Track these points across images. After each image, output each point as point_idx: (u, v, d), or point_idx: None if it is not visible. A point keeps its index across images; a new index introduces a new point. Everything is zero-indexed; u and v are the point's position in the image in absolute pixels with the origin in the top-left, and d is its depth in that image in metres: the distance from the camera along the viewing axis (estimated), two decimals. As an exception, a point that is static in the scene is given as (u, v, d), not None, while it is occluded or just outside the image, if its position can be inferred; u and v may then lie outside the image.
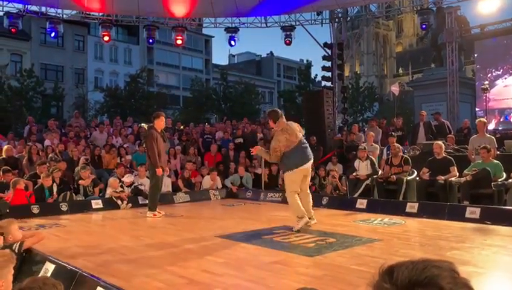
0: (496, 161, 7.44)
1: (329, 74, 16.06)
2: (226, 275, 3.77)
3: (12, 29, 14.31)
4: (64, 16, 15.34)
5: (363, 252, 4.51)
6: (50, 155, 10.08)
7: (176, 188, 10.07)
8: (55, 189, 8.25)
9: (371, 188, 8.64)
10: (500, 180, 7.13)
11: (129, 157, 11.08)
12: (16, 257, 2.96)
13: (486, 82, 16.97)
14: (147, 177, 8.73)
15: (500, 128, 17.06)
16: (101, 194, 8.96)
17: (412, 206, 7.11)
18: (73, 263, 3.77)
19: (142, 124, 14.96)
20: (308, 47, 25.67)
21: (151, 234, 5.93)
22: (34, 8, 14.47)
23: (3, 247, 3.71)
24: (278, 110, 6.28)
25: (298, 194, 5.91)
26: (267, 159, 6.38)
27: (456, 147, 9.53)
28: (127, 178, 9.08)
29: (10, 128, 20.23)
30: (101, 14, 15.56)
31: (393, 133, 10.86)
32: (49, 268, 3.65)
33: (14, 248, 3.79)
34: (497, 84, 18.86)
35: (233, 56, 57.16)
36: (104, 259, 4.37)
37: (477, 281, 3.51)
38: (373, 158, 9.13)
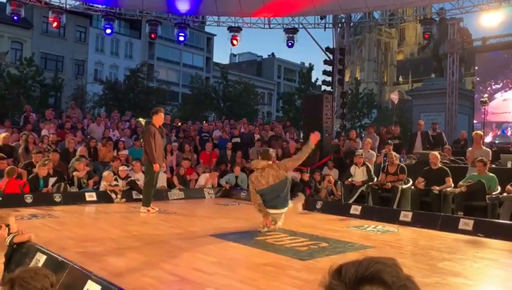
0: (491, 174, 7.46)
1: (329, 79, 16.10)
2: (218, 274, 3.76)
3: (14, 17, 14.24)
4: (68, 6, 15.26)
5: (355, 258, 4.48)
6: (45, 146, 10.04)
7: (170, 185, 10.05)
8: (51, 181, 8.22)
9: (366, 195, 8.65)
10: (494, 193, 7.15)
11: (126, 151, 11.04)
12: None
13: (486, 95, 17.04)
14: (142, 172, 8.71)
15: (496, 141, 17.13)
16: (95, 187, 8.93)
17: (406, 215, 7.11)
18: (65, 255, 3.75)
19: (140, 119, 14.92)
20: (309, 50, 25.57)
21: (144, 229, 5.91)
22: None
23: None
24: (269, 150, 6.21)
25: None
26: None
27: (452, 158, 9.56)
28: (121, 168, 9.05)
29: (7, 116, 20.15)
30: (104, 6, 15.52)
31: (390, 141, 10.89)
32: (40, 259, 3.63)
33: (6, 239, 3.83)
34: (496, 98, 18.95)
35: (235, 55, 57.23)
36: (95, 252, 4.35)
37: (467, 293, 3.51)
38: (369, 165, 9.14)
